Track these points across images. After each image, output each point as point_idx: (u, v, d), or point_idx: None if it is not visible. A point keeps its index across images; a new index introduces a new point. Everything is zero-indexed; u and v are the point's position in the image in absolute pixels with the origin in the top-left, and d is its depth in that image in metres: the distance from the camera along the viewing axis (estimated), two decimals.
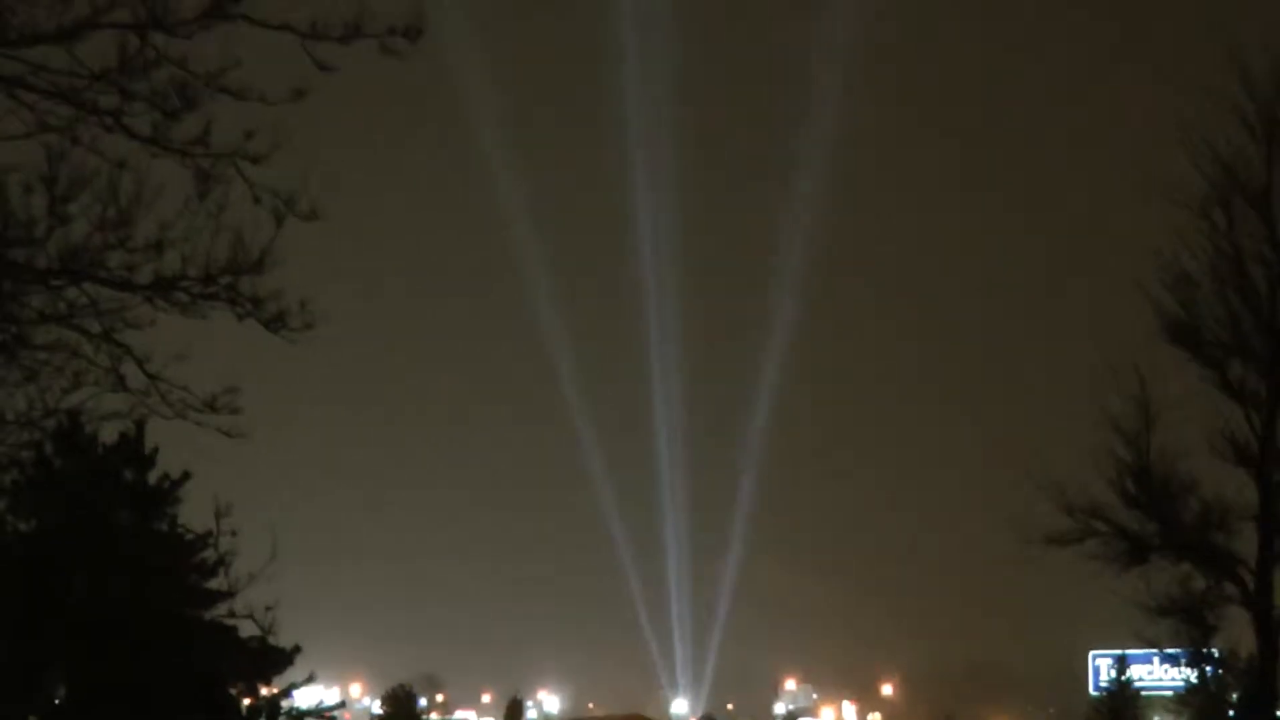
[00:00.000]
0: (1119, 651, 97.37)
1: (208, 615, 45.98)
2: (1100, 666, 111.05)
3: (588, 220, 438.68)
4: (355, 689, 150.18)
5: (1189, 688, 58.23)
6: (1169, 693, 79.20)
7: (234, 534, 44.06)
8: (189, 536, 45.29)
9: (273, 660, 48.71)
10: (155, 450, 43.09)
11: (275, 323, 24.89)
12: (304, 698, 52.99)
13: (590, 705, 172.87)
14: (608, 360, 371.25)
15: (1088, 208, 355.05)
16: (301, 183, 24.94)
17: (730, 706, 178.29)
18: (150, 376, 24.97)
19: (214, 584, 45.90)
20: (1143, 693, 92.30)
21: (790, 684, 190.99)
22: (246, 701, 49.18)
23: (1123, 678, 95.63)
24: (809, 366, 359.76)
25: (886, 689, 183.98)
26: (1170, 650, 55.09)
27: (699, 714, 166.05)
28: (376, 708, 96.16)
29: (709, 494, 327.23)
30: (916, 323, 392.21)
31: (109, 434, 37.45)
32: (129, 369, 24.94)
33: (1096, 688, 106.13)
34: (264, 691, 49.90)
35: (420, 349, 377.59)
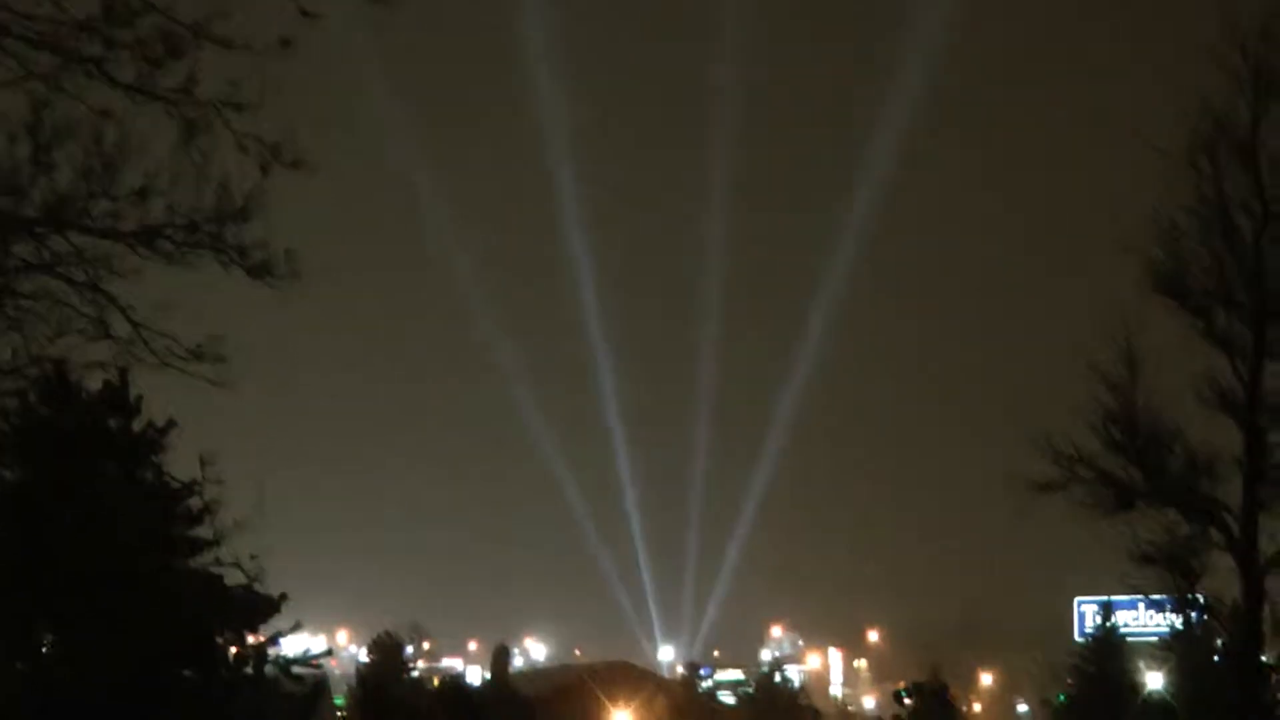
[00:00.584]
0: (1104, 598, 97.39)
1: (193, 563, 45.97)
2: (1085, 613, 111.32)
3: None
4: (342, 637, 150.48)
5: (1173, 633, 58.68)
6: (1154, 639, 79.46)
7: (219, 482, 44.10)
8: (174, 485, 45.28)
9: (259, 608, 48.77)
10: (139, 398, 43.11)
11: (260, 270, 24.88)
12: (291, 645, 53.17)
13: (577, 652, 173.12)
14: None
15: (1079, 161, 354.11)
16: (288, 132, 24.92)
17: (716, 654, 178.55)
18: (135, 325, 24.94)
19: (199, 532, 45.92)
20: (1128, 639, 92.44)
21: (776, 631, 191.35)
22: (234, 650, 49.22)
23: (1108, 624, 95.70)
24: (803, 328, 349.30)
25: (873, 636, 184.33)
26: (1155, 596, 55.20)
27: (685, 662, 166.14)
28: (363, 655, 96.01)
29: (712, 454, 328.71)
30: (909, 281, 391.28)
31: (94, 382, 37.49)
32: (114, 318, 24.92)
33: (1082, 634, 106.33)
34: (251, 639, 49.99)
35: (407, 306, 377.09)
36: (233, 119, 24.56)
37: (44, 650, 43.61)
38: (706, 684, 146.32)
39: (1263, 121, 47.79)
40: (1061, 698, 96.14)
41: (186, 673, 47.37)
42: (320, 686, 67.38)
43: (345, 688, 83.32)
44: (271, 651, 51.59)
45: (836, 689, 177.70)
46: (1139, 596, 61.18)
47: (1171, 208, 48.43)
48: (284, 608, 50.05)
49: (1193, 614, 54.08)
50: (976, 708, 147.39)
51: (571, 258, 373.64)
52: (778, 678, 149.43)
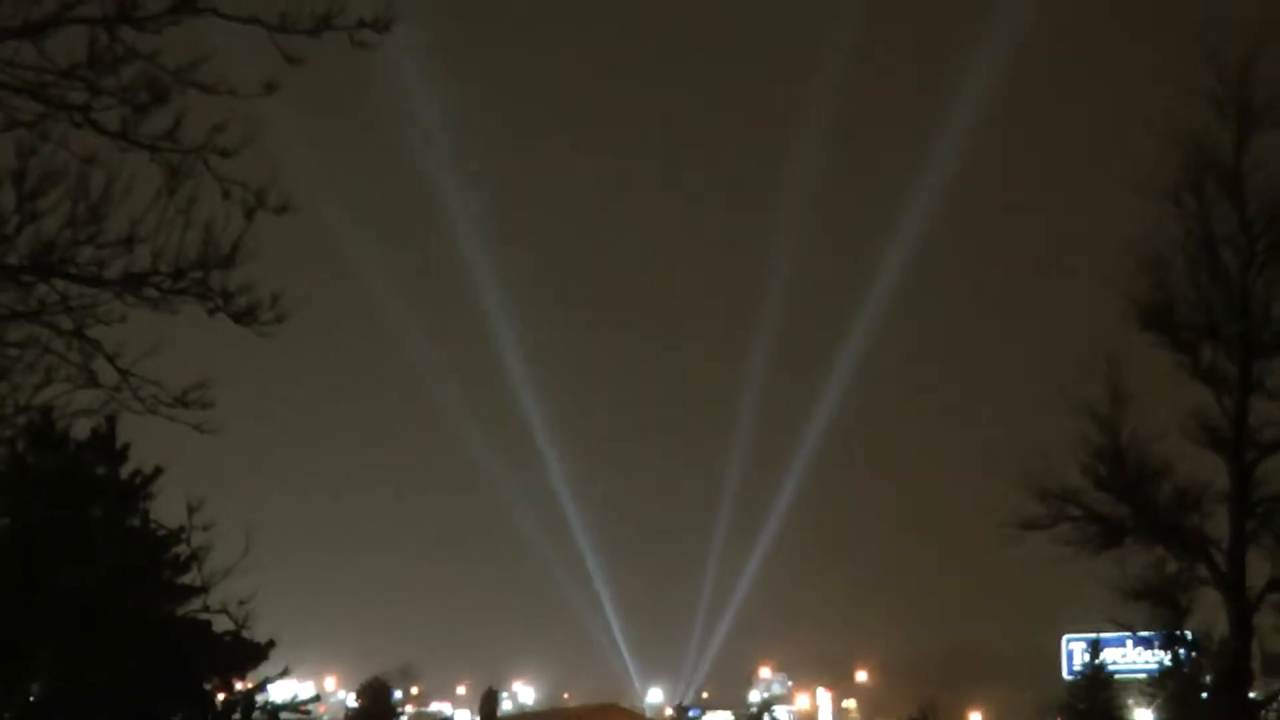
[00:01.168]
0: (1093, 635, 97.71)
1: (181, 610, 46.06)
2: (1074, 650, 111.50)
3: None
4: (330, 682, 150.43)
5: (1162, 670, 58.54)
6: (1142, 675, 79.62)
7: (206, 529, 44.20)
8: (161, 532, 45.39)
9: (247, 654, 48.92)
10: (127, 446, 43.21)
11: (246, 316, 24.90)
12: (279, 691, 53.43)
13: (565, 695, 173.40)
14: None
15: (1068, 199, 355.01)
16: (272, 176, 24.97)
17: (705, 695, 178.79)
18: (121, 372, 24.93)
19: (188, 579, 45.99)
20: (1116, 676, 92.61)
21: (765, 672, 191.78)
22: (221, 696, 49.38)
23: (1096, 661, 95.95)
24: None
25: (861, 676, 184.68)
26: (1144, 633, 55.35)
27: (675, 703, 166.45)
28: (352, 700, 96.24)
29: (690, 492, 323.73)
30: (897, 316, 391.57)
31: (81, 430, 37.49)
32: (100, 365, 24.91)
33: (1070, 672, 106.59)
34: (239, 685, 50.18)
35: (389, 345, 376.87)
36: (217, 164, 24.64)
37: (31, 699, 43.70)
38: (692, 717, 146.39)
39: (1246, 155, 47.93)
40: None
41: (176, 717, 47.65)
42: None
43: None
44: (259, 698, 51.88)
45: None
46: (1127, 634, 61.41)
47: (1158, 243, 48.61)
48: (272, 653, 50.33)
49: (1181, 650, 53.96)
50: None
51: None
52: (766, 718, 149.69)
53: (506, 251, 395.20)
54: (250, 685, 51.38)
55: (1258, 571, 49.64)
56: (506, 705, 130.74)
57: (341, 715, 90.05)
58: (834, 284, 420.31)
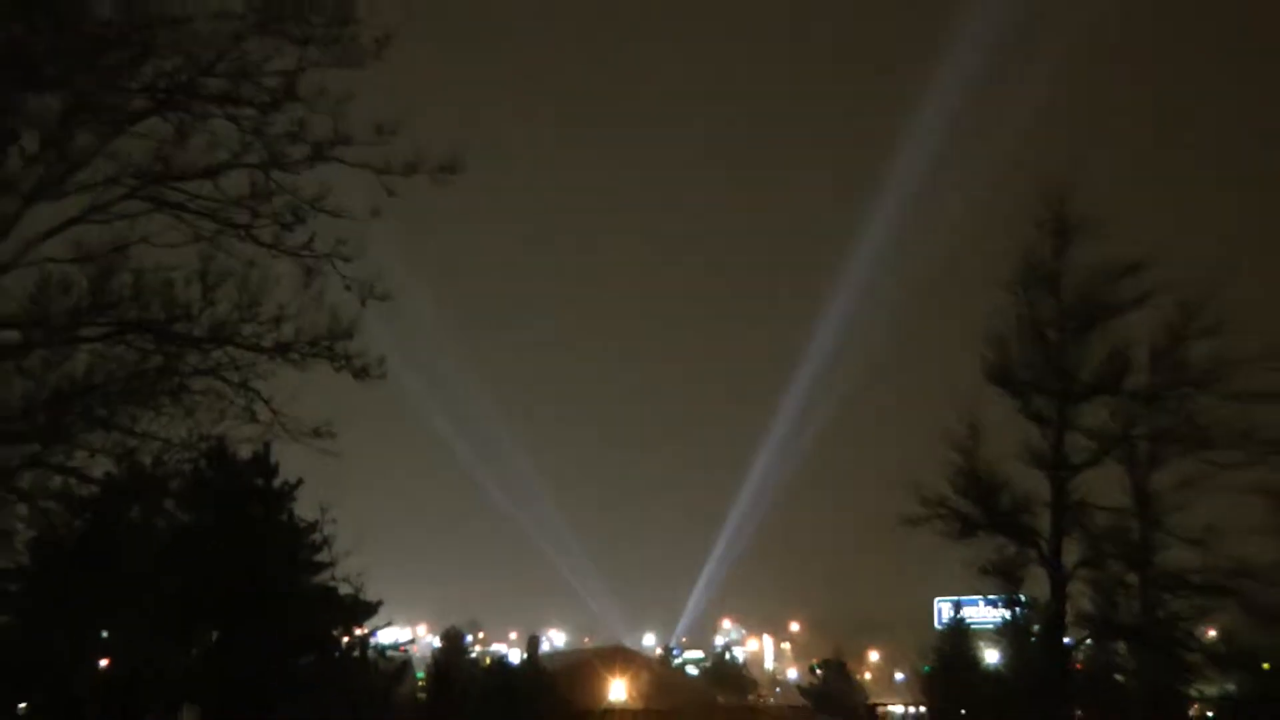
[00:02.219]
0: (956, 598, 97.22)
1: (316, 580, 46.44)
2: (942, 609, 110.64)
3: None
4: (421, 630, 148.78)
5: (1004, 623, 58.08)
6: (990, 627, 78.68)
7: (334, 521, 44.53)
8: (302, 525, 45.75)
9: (362, 611, 50.05)
10: (277, 465, 43.60)
11: (361, 374, 24.93)
12: (385, 636, 54.37)
13: (586, 639, 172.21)
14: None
15: (959, 287, 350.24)
16: (377, 275, 25.18)
17: (684, 640, 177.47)
18: (274, 412, 25.01)
19: (320, 558, 46.36)
20: (972, 627, 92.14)
21: (726, 623, 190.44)
22: (345, 639, 49.78)
23: (958, 616, 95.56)
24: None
25: (794, 627, 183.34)
26: (991, 597, 55.17)
27: (662, 645, 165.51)
28: (436, 642, 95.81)
29: (699, 463, 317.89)
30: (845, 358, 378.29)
31: (245, 453, 37.67)
32: (258, 406, 24.88)
33: (940, 624, 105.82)
34: (358, 632, 50.62)
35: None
36: (340, 266, 24.68)
37: (212, 642, 43.77)
38: (677, 661, 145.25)
39: (1062, 260, 48.15)
40: (926, 669, 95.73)
41: (313, 657, 47.86)
42: (405, 666, 67.86)
43: (424, 666, 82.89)
44: (372, 641, 52.36)
45: (769, 664, 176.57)
46: (980, 597, 61.13)
47: (1001, 323, 48.68)
48: (379, 610, 50.71)
49: (1017, 609, 53.82)
50: (867, 676, 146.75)
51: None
52: (727, 656, 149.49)
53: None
54: (364, 632, 51.71)
55: (1069, 553, 49.76)
56: (545, 646, 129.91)
57: (429, 654, 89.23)
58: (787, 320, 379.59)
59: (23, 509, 24.14)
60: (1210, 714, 56.12)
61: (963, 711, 77.51)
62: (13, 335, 23.77)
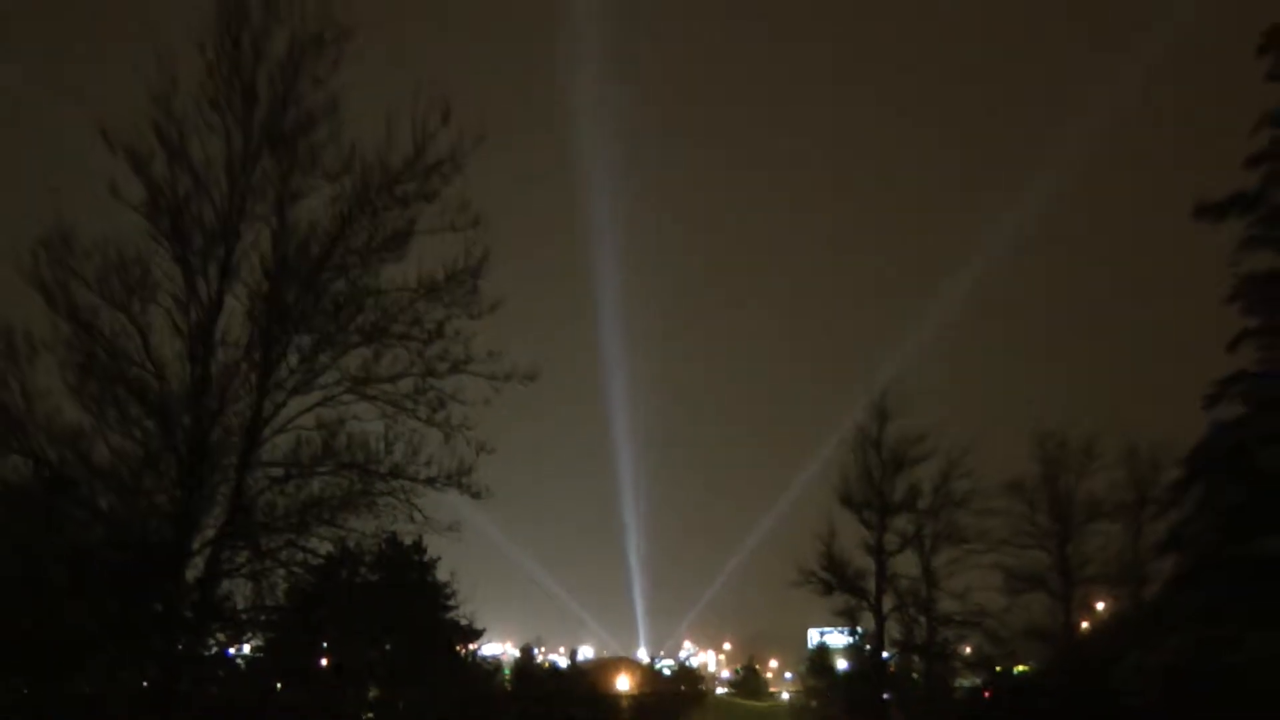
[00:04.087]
0: (822, 629, 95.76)
1: (449, 616, 45.89)
2: (812, 635, 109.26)
3: None
4: (507, 645, 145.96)
5: (849, 644, 57.40)
6: (841, 646, 77.18)
7: (455, 577, 44.38)
8: (440, 583, 45.37)
9: (473, 635, 49.09)
10: (426, 546, 43.00)
11: (477, 495, 24.27)
12: (486, 650, 54.20)
13: (605, 652, 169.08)
14: None
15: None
16: (483, 440, 24.34)
17: (662, 653, 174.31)
18: (425, 516, 24.38)
19: (450, 603, 45.88)
20: (831, 647, 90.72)
21: (687, 643, 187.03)
22: (461, 649, 49.34)
23: (821, 639, 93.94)
24: None
25: (726, 646, 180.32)
26: (842, 626, 54.69)
27: (650, 657, 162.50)
28: (515, 652, 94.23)
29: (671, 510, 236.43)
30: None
31: (408, 540, 36.75)
32: (415, 514, 24.28)
33: (811, 644, 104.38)
34: (470, 647, 50.27)
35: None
36: (465, 433, 24.17)
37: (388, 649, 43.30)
38: (658, 666, 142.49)
39: (882, 432, 48.73)
40: (803, 669, 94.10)
41: (447, 659, 47.45)
42: (498, 668, 67.20)
43: (509, 667, 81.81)
44: (478, 653, 52.15)
45: (711, 668, 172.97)
46: (835, 628, 60.48)
47: (851, 468, 49.32)
48: (483, 634, 50.51)
49: (856, 636, 53.12)
50: (769, 675, 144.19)
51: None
52: (687, 662, 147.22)
53: None
54: (475, 646, 51.24)
55: (886, 603, 49.34)
56: (581, 656, 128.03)
57: (510, 661, 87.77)
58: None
59: (282, 572, 23.69)
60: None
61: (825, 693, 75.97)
62: (279, 471, 23.49)
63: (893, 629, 50.15)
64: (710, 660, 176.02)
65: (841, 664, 72.20)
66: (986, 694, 52.62)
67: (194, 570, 22.70)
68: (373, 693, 44.40)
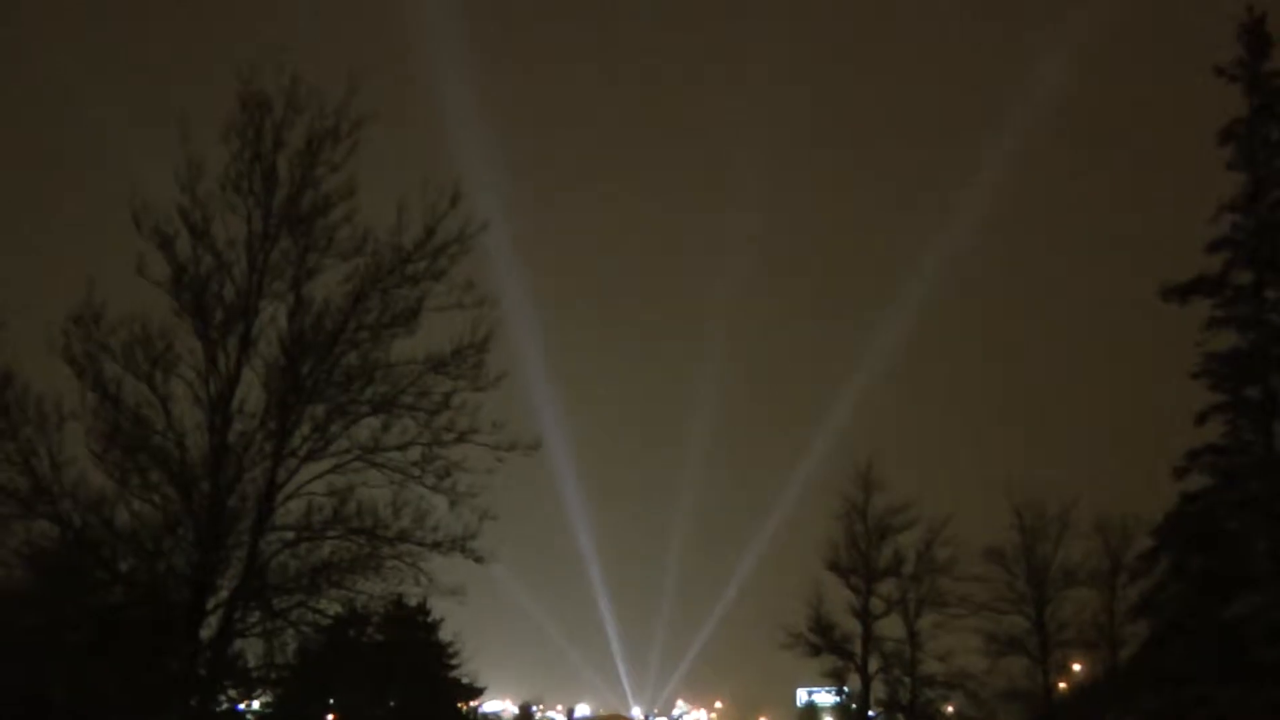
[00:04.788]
0: (810, 688, 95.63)
1: (451, 674, 46.03)
2: (800, 694, 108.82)
3: None
4: (507, 702, 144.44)
5: (836, 703, 57.68)
6: (830, 704, 77.32)
7: (458, 637, 44.49)
8: (444, 643, 45.54)
9: (475, 692, 49.07)
10: (430, 609, 43.16)
11: (479, 560, 24.53)
12: (487, 707, 53.92)
13: (601, 710, 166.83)
14: None
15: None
16: (486, 507, 24.69)
17: (655, 710, 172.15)
18: (429, 579, 24.66)
19: (454, 661, 46.07)
20: (818, 704, 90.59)
21: (680, 701, 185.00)
22: (462, 706, 49.36)
23: (810, 699, 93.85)
24: None
25: (718, 704, 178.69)
26: (830, 686, 55.05)
27: (644, 714, 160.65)
28: (514, 708, 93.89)
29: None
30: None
31: (412, 601, 36.60)
32: (421, 577, 24.58)
33: (800, 703, 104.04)
34: (473, 703, 50.31)
35: None
36: (469, 500, 24.43)
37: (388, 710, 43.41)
38: None
39: (867, 503, 49.34)
40: None
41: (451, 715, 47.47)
42: None
43: None
44: (479, 707, 51.99)
45: None
46: (823, 688, 60.73)
47: (840, 536, 49.90)
48: (484, 690, 50.46)
49: (843, 695, 53.38)
50: None
51: None
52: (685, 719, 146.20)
53: None
54: (476, 703, 51.24)
55: (872, 665, 49.97)
56: (578, 713, 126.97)
57: (510, 718, 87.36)
58: None
59: (292, 631, 24.16)
60: None
61: None
62: (291, 535, 24.04)
63: (878, 689, 50.69)
64: (703, 717, 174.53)
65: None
66: None
67: (208, 629, 23.21)
68: None
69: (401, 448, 24.44)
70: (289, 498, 23.79)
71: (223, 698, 25.55)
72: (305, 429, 23.87)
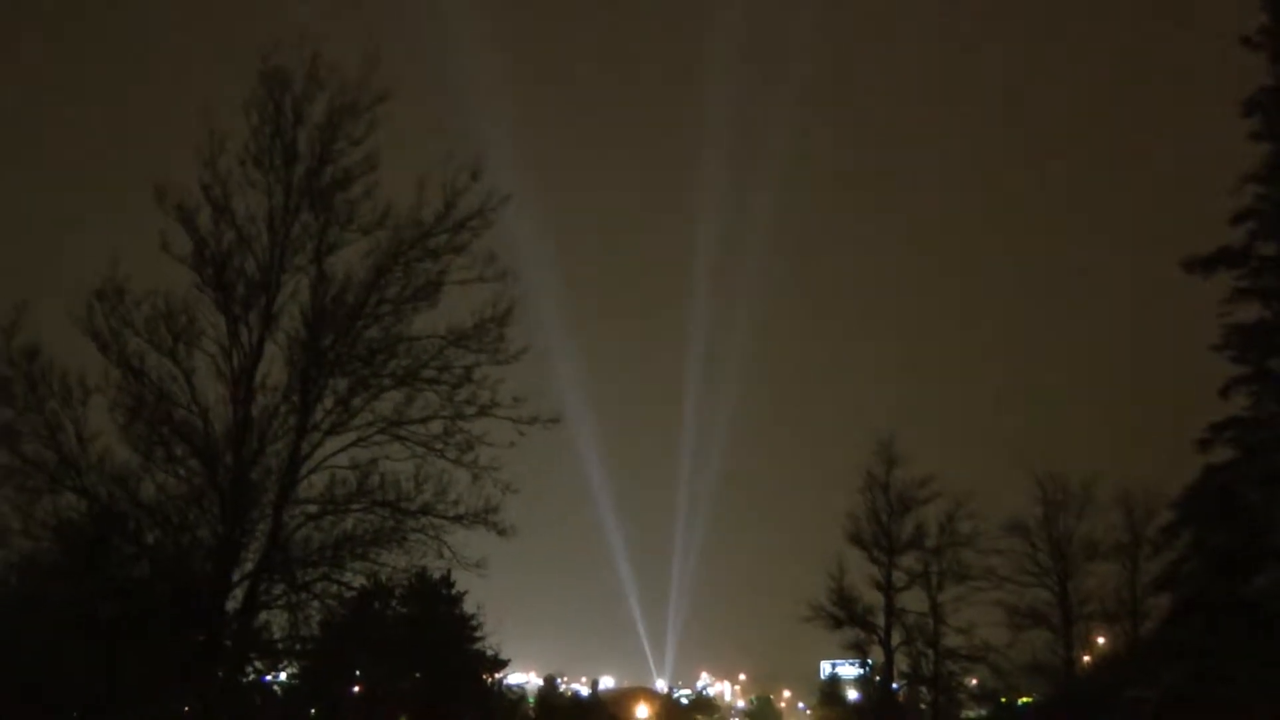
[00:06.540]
0: (834, 660, 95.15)
1: (475, 646, 45.69)
2: (824, 666, 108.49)
3: None
4: (531, 674, 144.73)
5: (859, 675, 57.04)
6: (852, 677, 76.62)
7: (482, 610, 44.11)
8: (467, 615, 45.17)
9: (500, 664, 48.74)
10: (454, 581, 42.83)
11: (503, 533, 24.42)
12: (510, 678, 53.95)
13: (626, 682, 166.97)
14: None
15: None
16: (509, 480, 24.48)
17: (680, 683, 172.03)
18: (452, 552, 24.50)
19: (477, 634, 45.68)
20: (841, 676, 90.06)
21: (704, 673, 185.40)
22: (488, 678, 49.21)
23: (834, 670, 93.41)
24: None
25: (741, 676, 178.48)
26: (852, 660, 54.63)
27: (669, 688, 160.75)
28: (539, 681, 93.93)
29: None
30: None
31: (436, 575, 36.39)
32: (445, 551, 24.38)
33: (823, 675, 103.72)
34: (497, 675, 50.08)
35: None
36: (492, 474, 24.32)
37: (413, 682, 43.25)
38: (676, 695, 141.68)
39: (889, 475, 48.96)
40: (815, 699, 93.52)
41: (473, 687, 47.32)
42: (523, 695, 66.92)
43: (533, 696, 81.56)
44: (504, 681, 51.91)
45: (727, 698, 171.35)
46: (846, 660, 60.37)
47: (862, 513, 49.63)
48: (508, 664, 50.29)
49: (866, 668, 52.93)
50: (783, 705, 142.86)
51: None
52: (704, 693, 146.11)
53: None
54: (500, 675, 50.99)
55: (895, 637, 49.37)
56: (602, 685, 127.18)
57: (534, 690, 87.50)
58: None
59: (316, 604, 23.90)
60: None
61: None
62: (315, 508, 23.81)
63: (901, 661, 50.07)
64: (726, 690, 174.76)
65: (852, 694, 71.92)
66: None
67: (233, 602, 23.03)
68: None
69: (423, 421, 24.22)
70: (312, 471, 23.62)
71: (248, 669, 25.34)
72: (328, 403, 23.68)
